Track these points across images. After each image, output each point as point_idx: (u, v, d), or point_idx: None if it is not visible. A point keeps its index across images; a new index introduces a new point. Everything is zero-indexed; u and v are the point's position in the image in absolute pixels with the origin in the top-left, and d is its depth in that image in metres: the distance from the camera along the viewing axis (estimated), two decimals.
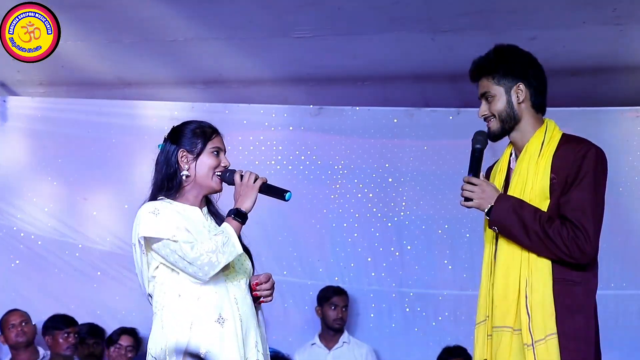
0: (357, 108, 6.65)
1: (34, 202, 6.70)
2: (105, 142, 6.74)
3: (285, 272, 6.45)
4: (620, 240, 6.34)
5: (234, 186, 3.56)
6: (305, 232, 6.61)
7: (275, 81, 6.58)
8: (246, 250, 3.57)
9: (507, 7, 5.47)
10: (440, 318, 6.47)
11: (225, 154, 3.61)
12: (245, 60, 6.29)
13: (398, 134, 6.60)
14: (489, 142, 3.63)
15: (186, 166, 3.54)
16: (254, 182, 3.52)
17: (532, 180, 3.52)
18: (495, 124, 3.60)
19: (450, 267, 6.47)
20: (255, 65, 6.37)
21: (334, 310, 6.33)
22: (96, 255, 6.64)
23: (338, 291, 6.36)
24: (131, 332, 6.21)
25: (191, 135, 3.56)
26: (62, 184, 6.75)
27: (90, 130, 6.74)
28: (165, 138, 3.62)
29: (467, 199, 3.53)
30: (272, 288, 3.62)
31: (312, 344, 6.40)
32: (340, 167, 6.64)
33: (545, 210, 3.48)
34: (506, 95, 3.59)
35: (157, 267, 3.47)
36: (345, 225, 6.59)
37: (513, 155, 3.67)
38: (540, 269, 3.47)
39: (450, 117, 6.48)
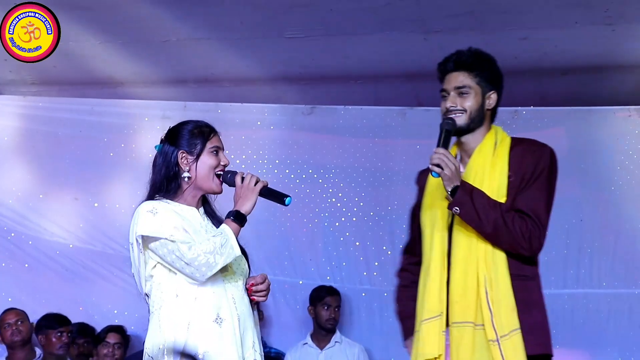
0: (350, 107, 6.66)
1: (24, 202, 6.68)
2: (97, 142, 6.72)
3: (276, 272, 6.45)
4: (612, 239, 6.37)
5: (233, 187, 3.56)
6: (297, 231, 6.61)
7: (267, 81, 6.58)
8: (243, 251, 3.56)
9: (498, 8, 5.48)
10: None
11: (223, 151, 3.60)
12: (237, 60, 6.29)
13: (390, 133, 6.60)
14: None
15: (187, 167, 3.52)
16: (255, 185, 3.52)
17: (488, 179, 3.59)
18: (463, 119, 3.64)
19: None
20: (247, 66, 6.37)
21: (326, 310, 6.33)
22: (87, 255, 6.63)
23: (331, 291, 6.36)
24: (118, 329, 6.21)
25: (190, 136, 3.54)
26: (53, 184, 6.74)
27: (82, 129, 6.72)
28: (162, 139, 3.59)
29: (437, 165, 3.53)
30: (267, 289, 3.62)
31: (304, 344, 6.40)
32: (332, 166, 6.64)
33: None
34: (481, 97, 3.65)
35: (155, 266, 3.46)
36: (337, 224, 6.59)
37: (459, 156, 3.71)
38: (498, 264, 3.53)
39: None
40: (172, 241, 3.38)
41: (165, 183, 3.52)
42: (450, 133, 3.60)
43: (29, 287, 6.59)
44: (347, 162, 6.63)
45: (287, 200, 3.57)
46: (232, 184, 3.57)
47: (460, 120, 3.63)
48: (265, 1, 5.50)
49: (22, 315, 6.16)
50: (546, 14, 5.51)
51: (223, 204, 3.63)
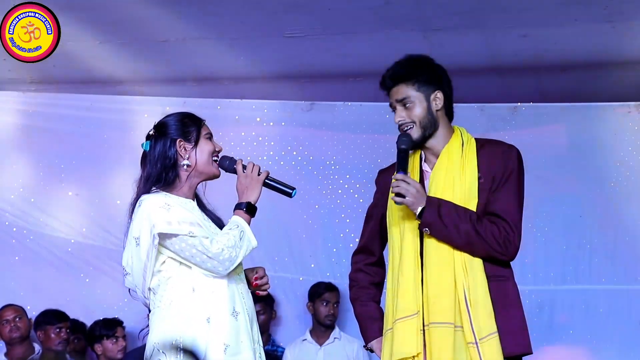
0: (349, 104, 6.66)
1: (24, 198, 6.69)
2: (96, 138, 6.73)
3: (276, 268, 6.46)
4: (611, 236, 6.38)
5: (228, 173, 3.56)
6: (297, 227, 6.61)
7: (266, 80, 6.58)
8: None
9: (498, 6, 5.47)
10: None
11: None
12: (237, 60, 6.28)
13: (390, 129, 6.53)
14: None
15: (186, 155, 3.49)
16: (259, 174, 3.52)
17: (459, 181, 3.59)
18: (416, 132, 3.63)
19: None
20: (247, 65, 6.37)
21: (325, 307, 6.33)
22: (88, 251, 6.64)
23: (329, 287, 6.37)
24: (118, 322, 6.20)
25: (182, 125, 3.53)
26: (52, 180, 6.74)
27: (81, 125, 6.73)
28: (150, 135, 3.55)
29: (399, 195, 3.53)
30: (268, 282, 3.62)
31: (303, 340, 6.40)
32: (332, 162, 6.65)
33: (474, 209, 3.56)
34: (426, 102, 3.64)
35: (164, 261, 3.42)
36: (337, 221, 6.59)
37: (423, 159, 3.70)
38: (474, 266, 3.54)
39: None
40: (192, 237, 3.34)
41: (163, 174, 3.47)
42: (407, 151, 3.58)
43: (30, 282, 6.59)
44: (346, 159, 6.64)
45: (293, 192, 3.57)
46: (231, 170, 3.56)
47: (414, 133, 3.62)
48: (265, 1, 5.50)
49: (20, 311, 6.16)
50: (546, 11, 5.51)
51: (210, 194, 3.64)
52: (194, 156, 3.51)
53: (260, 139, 6.67)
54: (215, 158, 3.56)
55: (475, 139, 3.70)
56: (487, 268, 3.55)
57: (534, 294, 6.25)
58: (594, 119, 6.51)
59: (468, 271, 3.53)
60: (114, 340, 6.08)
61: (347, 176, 6.61)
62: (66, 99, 6.76)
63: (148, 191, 3.47)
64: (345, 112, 6.67)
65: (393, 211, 3.67)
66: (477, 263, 3.55)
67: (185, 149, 3.50)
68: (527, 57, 6.05)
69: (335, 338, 6.36)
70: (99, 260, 6.61)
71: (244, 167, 3.53)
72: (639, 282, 6.31)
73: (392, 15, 5.56)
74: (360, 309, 3.83)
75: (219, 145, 3.58)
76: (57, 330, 6.07)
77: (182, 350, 3.34)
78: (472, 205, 3.57)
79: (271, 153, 6.64)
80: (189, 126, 3.53)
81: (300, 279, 6.57)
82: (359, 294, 3.84)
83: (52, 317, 6.11)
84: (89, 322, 6.28)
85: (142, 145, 3.56)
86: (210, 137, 3.56)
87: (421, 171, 3.69)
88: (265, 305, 6.29)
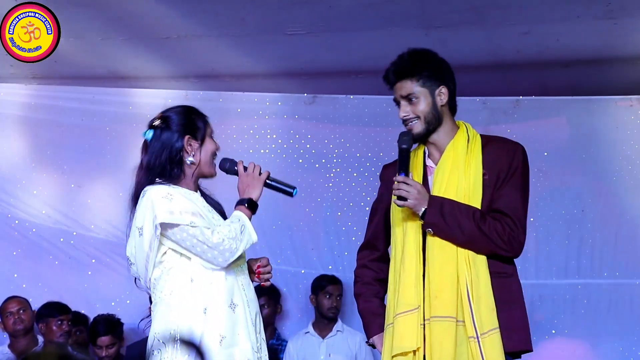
0: (351, 97, 6.66)
1: (27, 190, 6.70)
2: (99, 130, 6.73)
3: (279, 261, 6.46)
4: (613, 229, 6.38)
5: (229, 175, 3.56)
6: (299, 220, 6.61)
7: (268, 77, 6.57)
8: None
9: (500, 3, 5.46)
10: None
11: None
12: (239, 57, 6.28)
13: (392, 122, 6.54)
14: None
15: (192, 153, 3.50)
16: (259, 174, 3.54)
17: (464, 177, 3.59)
18: (419, 126, 3.63)
19: None
20: (249, 62, 6.36)
21: (328, 299, 6.34)
22: (91, 243, 6.65)
23: (332, 280, 6.37)
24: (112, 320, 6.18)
25: (191, 122, 3.53)
26: (55, 172, 6.75)
27: (84, 118, 6.73)
28: (156, 125, 3.53)
29: (401, 198, 3.54)
30: (271, 272, 3.64)
31: (306, 333, 6.41)
32: (334, 155, 6.65)
33: (479, 205, 3.56)
34: (431, 97, 3.64)
35: (165, 252, 3.43)
36: (339, 214, 6.60)
37: (427, 154, 3.70)
38: (477, 262, 3.55)
39: None
40: (194, 227, 3.35)
41: (168, 167, 3.47)
42: (408, 150, 3.58)
43: (32, 274, 6.60)
44: (349, 152, 6.64)
45: (294, 191, 3.59)
46: (231, 171, 3.58)
47: (417, 127, 3.63)
48: None
49: (24, 303, 6.17)
50: (548, 8, 5.50)
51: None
52: (199, 154, 3.52)
53: (262, 131, 6.67)
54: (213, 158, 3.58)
55: (481, 135, 3.71)
56: (490, 264, 3.56)
57: (535, 288, 6.26)
58: (595, 112, 6.51)
59: (471, 266, 3.54)
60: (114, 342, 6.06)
61: (349, 169, 6.62)
62: (68, 92, 6.75)
63: (151, 182, 3.47)
64: (347, 104, 6.67)
65: (396, 208, 3.67)
66: (481, 259, 3.56)
67: (191, 146, 3.50)
68: (529, 54, 6.03)
69: (338, 331, 6.37)
70: (101, 253, 6.62)
71: (245, 167, 3.56)
72: None
73: (394, 13, 5.56)
74: (364, 305, 3.84)
75: (217, 143, 3.59)
76: (59, 322, 6.08)
77: (179, 341, 3.35)
78: (476, 202, 3.57)
79: (273, 146, 6.64)
80: (197, 123, 3.53)
81: (302, 271, 6.58)
82: (362, 290, 3.86)
83: (54, 310, 6.12)
84: (91, 315, 6.29)
85: (144, 133, 3.55)
86: (212, 134, 3.58)
87: (424, 166, 3.69)
88: (270, 299, 6.30)
